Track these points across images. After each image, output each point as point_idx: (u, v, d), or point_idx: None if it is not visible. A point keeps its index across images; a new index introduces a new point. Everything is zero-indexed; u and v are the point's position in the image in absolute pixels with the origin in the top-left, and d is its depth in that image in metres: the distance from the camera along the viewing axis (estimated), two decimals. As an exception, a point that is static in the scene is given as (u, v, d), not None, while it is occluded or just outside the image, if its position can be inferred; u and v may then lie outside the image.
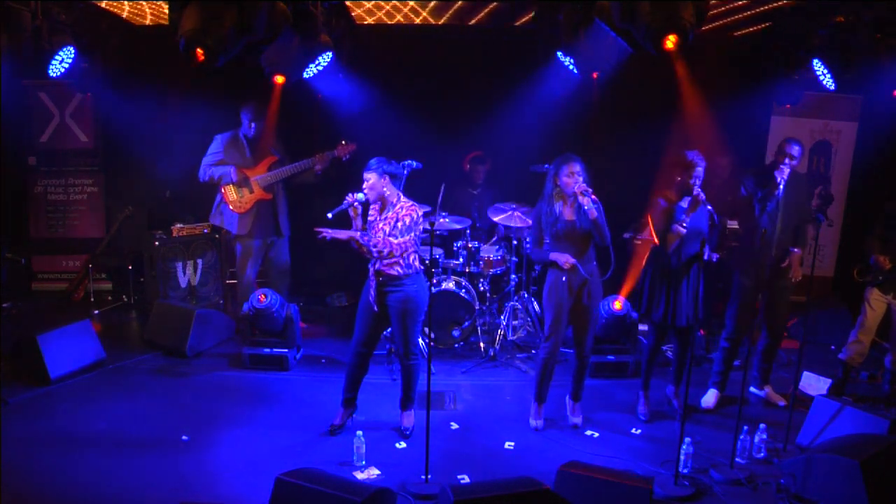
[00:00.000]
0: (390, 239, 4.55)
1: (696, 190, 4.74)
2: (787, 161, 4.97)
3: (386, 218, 4.64)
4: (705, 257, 4.80)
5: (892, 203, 5.41)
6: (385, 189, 4.62)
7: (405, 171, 6.02)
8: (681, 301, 4.90)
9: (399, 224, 4.57)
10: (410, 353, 4.80)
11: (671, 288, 4.92)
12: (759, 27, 6.60)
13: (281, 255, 6.70)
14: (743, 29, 6.80)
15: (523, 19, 7.06)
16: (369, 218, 4.74)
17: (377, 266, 4.66)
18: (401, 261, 4.60)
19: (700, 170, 4.78)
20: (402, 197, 4.69)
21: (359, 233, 4.62)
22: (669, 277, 4.91)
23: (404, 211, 4.60)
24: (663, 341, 5.22)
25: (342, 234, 4.57)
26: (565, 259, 4.74)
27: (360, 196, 4.62)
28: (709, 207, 4.81)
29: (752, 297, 5.15)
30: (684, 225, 4.76)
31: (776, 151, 5.11)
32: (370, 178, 4.60)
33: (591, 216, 4.61)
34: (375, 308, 4.74)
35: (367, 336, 4.81)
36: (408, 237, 4.57)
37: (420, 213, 4.67)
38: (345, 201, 4.64)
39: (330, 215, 4.71)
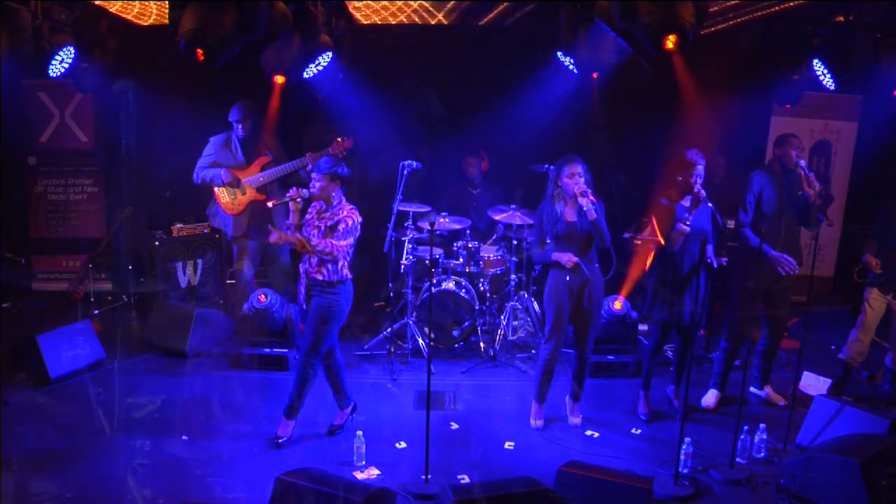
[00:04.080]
0: (332, 241, 4.49)
1: (697, 188, 4.76)
2: (801, 162, 5.00)
3: (323, 217, 4.59)
4: (714, 264, 4.81)
5: (893, 203, 5.41)
6: (332, 193, 4.58)
7: (405, 171, 6.04)
8: (685, 300, 4.91)
9: (340, 226, 4.51)
10: (309, 361, 4.67)
11: (677, 287, 4.91)
12: (758, 14, 6.55)
13: (281, 255, 6.69)
14: (742, 28, 6.78)
15: (489, 16, 6.92)
16: (307, 216, 4.68)
17: (305, 267, 4.63)
18: (329, 265, 4.55)
19: (700, 168, 4.81)
20: (343, 201, 4.63)
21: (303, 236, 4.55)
22: (675, 277, 4.91)
23: (344, 213, 4.55)
24: (666, 341, 5.22)
25: (290, 237, 4.54)
26: (568, 258, 4.74)
27: (304, 192, 4.59)
28: (710, 205, 4.82)
29: (754, 297, 5.15)
30: (687, 223, 4.76)
31: (778, 148, 5.10)
32: (320, 180, 4.55)
33: (590, 217, 4.62)
34: (304, 306, 4.73)
35: None
36: (346, 241, 4.54)
37: (359, 220, 4.59)
38: (288, 193, 4.61)
39: (270, 204, 4.76)
